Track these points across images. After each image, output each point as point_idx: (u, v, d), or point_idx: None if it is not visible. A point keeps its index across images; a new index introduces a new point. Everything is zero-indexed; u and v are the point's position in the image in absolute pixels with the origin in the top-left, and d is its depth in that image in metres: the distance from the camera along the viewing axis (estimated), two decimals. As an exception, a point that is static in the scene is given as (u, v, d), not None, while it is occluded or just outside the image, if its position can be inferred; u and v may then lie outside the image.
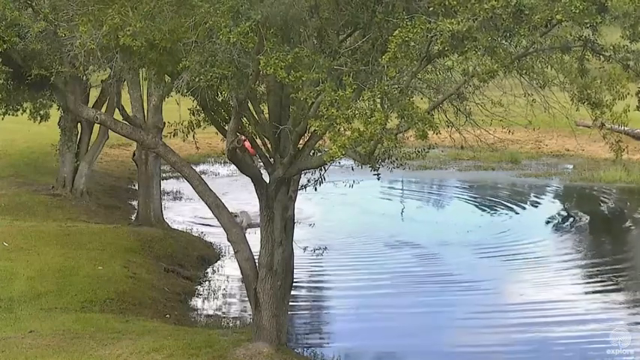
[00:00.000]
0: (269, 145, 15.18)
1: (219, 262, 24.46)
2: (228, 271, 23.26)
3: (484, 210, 31.52)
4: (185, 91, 13.84)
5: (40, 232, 22.87)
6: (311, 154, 15.11)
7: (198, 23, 12.50)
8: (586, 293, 22.17)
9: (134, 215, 27.65)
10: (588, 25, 11.95)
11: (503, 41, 12.01)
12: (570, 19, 11.46)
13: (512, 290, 22.33)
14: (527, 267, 24.25)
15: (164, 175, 30.25)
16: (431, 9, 11.94)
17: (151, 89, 24.52)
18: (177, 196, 31.94)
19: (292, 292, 16.93)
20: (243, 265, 15.65)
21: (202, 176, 16.28)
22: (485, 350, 18.43)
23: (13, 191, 28.17)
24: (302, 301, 21.32)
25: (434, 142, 15.41)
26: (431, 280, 23.25)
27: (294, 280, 16.82)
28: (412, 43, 11.44)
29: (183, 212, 29.31)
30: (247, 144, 15.15)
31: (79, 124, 27.88)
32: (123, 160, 36.21)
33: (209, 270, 23.82)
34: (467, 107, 14.82)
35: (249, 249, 15.64)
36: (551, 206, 32.42)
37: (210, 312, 20.52)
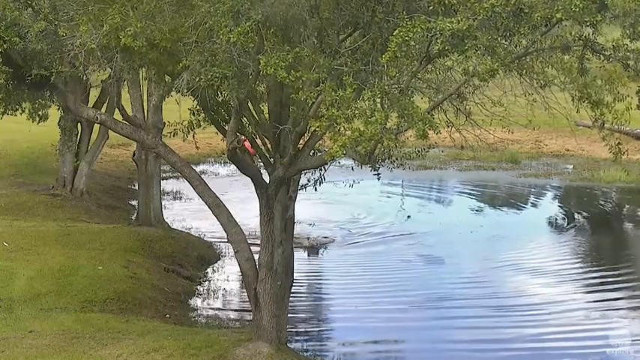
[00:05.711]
0: (269, 145, 15.18)
1: (219, 262, 24.45)
2: (228, 271, 23.25)
3: (485, 210, 31.56)
4: (185, 91, 13.82)
5: (40, 232, 22.86)
6: (311, 154, 15.11)
7: (199, 23, 12.50)
8: (587, 294, 22.18)
9: (134, 215, 27.63)
10: (588, 24, 11.93)
11: (503, 40, 12.01)
12: (570, 18, 11.46)
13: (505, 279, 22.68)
14: (523, 269, 24.33)
15: (164, 175, 30.23)
16: (431, 8, 11.94)
17: (151, 89, 24.51)
18: (177, 196, 31.93)
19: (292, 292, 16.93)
20: (243, 265, 15.64)
21: (202, 176, 16.28)
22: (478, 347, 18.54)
23: (13, 191, 28.16)
24: (302, 301, 21.34)
25: (434, 142, 15.42)
26: (428, 279, 23.30)
27: (294, 280, 16.84)
28: (412, 43, 11.44)
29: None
30: (247, 144, 15.15)
31: (79, 124, 27.88)
32: (123, 160, 36.20)
33: (209, 270, 23.80)
34: (467, 107, 14.81)
35: (249, 249, 15.63)
36: (551, 206, 32.41)
37: (210, 312, 20.50)
